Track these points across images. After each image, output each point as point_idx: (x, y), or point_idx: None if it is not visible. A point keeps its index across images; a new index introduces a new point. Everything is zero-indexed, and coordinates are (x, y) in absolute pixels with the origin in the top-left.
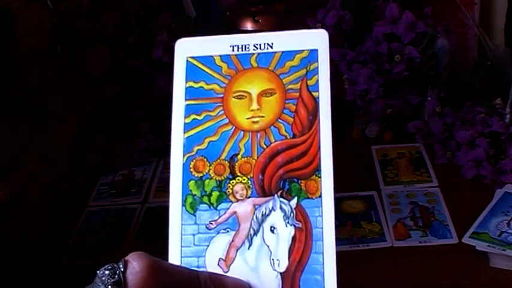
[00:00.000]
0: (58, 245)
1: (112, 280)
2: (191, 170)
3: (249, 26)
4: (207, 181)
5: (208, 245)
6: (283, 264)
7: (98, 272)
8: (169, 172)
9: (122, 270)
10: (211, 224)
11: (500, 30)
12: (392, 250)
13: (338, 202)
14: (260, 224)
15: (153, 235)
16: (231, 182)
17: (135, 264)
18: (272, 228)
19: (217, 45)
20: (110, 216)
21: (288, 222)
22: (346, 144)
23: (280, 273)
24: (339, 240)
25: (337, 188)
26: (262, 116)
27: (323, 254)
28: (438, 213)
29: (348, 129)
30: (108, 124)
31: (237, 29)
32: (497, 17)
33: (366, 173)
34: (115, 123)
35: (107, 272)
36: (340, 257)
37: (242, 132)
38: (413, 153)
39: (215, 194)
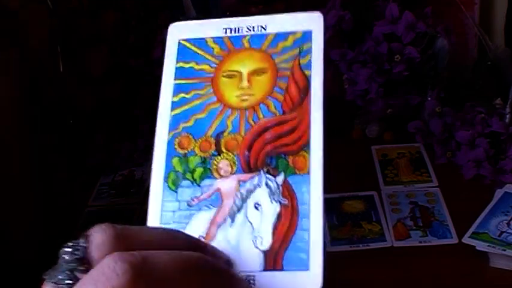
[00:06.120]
0: (58, 245)
1: (74, 257)
2: (175, 146)
3: None
4: (191, 158)
5: (188, 222)
6: (266, 242)
7: (59, 251)
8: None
9: (84, 245)
10: (193, 200)
11: (500, 30)
12: (393, 250)
13: (338, 202)
14: (244, 200)
15: None
16: (216, 158)
17: (97, 237)
18: (256, 205)
19: (210, 28)
20: (109, 216)
21: (273, 198)
22: (346, 144)
23: (263, 251)
24: (338, 240)
25: (337, 188)
26: (252, 94)
27: (309, 232)
28: (438, 213)
29: (348, 129)
30: (108, 124)
31: None
32: (497, 17)
33: (366, 173)
34: (115, 123)
35: (68, 250)
36: (340, 257)
37: (230, 109)
38: (413, 153)
39: (199, 170)
